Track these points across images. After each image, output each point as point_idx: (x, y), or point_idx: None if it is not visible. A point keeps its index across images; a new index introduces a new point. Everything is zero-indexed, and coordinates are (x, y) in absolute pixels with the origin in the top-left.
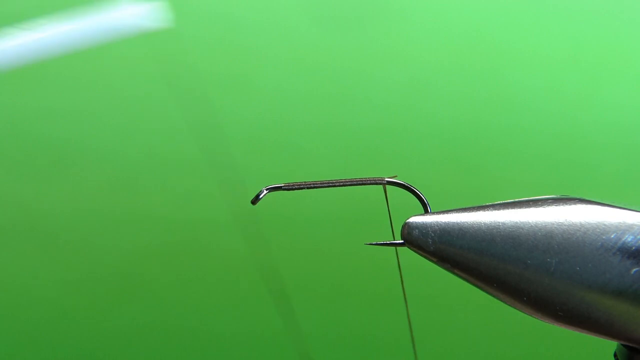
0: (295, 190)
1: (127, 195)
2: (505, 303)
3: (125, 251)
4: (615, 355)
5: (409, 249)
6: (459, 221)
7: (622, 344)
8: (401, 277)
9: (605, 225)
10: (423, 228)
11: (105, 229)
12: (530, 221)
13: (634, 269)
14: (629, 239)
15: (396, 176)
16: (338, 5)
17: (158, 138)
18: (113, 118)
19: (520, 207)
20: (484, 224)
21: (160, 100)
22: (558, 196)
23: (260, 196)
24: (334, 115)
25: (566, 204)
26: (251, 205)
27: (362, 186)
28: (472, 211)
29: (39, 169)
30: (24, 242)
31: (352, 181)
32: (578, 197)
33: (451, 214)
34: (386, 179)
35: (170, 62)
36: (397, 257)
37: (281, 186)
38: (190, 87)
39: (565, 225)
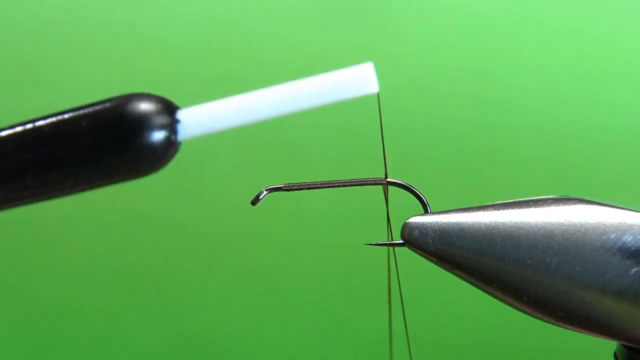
0: (295, 191)
1: (127, 195)
2: (505, 303)
3: (125, 251)
4: (615, 355)
5: (408, 250)
6: (458, 221)
7: (622, 344)
8: (398, 277)
9: (605, 225)
10: (423, 228)
11: (104, 229)
12: (530, 221)
13: (634, 269)
14: (629, 239)
15: (387, 177)
16: (336, 4)
17: None
18: None
19: (520, 207)
20: (484, 224)
21: None
22: (558, 196)
23: (260, 197)
24: (333, 116)
25: (566, 204)
26: (251, 205)
27: (362, 186)
28: (472, 211)
29: None
30: (24, 242)
31: (352, 182)
32: (578, 197)
33: (451, 214)
34: (387, 180)
35: (170, 62)
36: (395, 257)
37: (281, 187)
38: (191, 88)
39: (565, 225)
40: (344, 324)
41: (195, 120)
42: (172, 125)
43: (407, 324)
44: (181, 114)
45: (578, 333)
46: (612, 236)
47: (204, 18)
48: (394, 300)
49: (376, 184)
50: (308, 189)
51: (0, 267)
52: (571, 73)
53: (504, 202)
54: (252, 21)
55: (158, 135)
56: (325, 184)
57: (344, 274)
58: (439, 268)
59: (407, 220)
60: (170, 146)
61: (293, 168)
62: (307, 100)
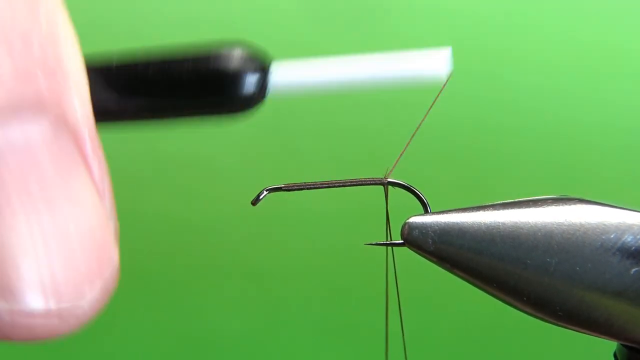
0: (295, 191)
1: (127, 195)
2: (505, 303)
3: (125, 251)
4: (615, 355)
5: (408, 249)
6: (458, 221)
7: (621, 344)
8: (396, 278)
9: (605, 225)
10: (423, 228)
11: None
12: (530, 221)
13: (634, 269)
14: (629, 239)
15: (388, 170)
16: (338, 5)
17: (158, 139)
18: None
19: (520, 207)
20: (484, 224)
21: None
22: (558, 196)
23: (261, 197)
24: (333, 116)
25: (566, 204)
26: (251, 205)
27: (362, 186)
28: (472, 211)
29: None
30: None
31: (352, 182)
32: (578, 197)
33: (451, 214)
34: (387, 180)
35: None
36: (394, 257)
37: (281, 187)
38: None
39: (565, 225)
40: (343, 323)
41: (285, 72)
42: (265, 70)
43: (405, 325)
44: (274, 65)
45: (578, 333)
46: (611, 236)
47: (204, 18)
48: (393, 300)
49: (376, 184)
50: (308, 189)
51: None
52: (571, 73)
53: (504, 202)
54: (253, 22)
55: (253, 78)
56: (326, 184)
57: (344, 274)
58: (438, 268)
59: (407, 220)
60: (262, 88)
61: (293, 168)
62: (382, 73)
